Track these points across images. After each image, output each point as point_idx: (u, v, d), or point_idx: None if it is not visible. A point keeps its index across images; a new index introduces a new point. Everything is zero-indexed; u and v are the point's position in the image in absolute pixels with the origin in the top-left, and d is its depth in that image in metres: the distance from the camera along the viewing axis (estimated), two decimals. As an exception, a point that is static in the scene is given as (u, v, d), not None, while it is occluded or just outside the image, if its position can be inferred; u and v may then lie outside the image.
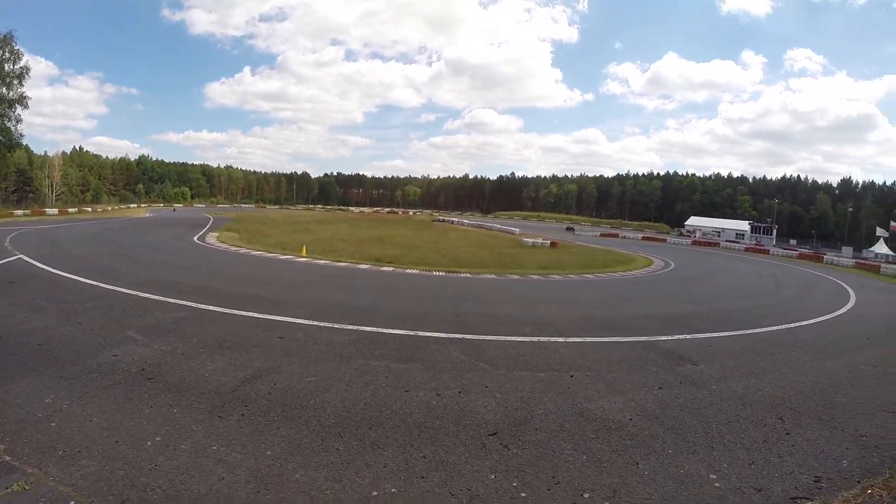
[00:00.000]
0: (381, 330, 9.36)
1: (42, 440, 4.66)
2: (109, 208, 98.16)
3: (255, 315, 10.08)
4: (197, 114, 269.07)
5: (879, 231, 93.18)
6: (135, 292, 12.02)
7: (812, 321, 15.25)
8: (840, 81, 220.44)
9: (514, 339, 9.53)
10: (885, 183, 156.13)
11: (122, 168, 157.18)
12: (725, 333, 11.89)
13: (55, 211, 69.04)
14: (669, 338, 10.73)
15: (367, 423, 5.35)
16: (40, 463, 4.28)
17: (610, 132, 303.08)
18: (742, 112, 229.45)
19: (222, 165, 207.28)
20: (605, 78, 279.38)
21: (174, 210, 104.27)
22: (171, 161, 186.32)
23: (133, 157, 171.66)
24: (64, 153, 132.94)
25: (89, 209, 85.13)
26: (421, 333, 9.31)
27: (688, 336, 11.10)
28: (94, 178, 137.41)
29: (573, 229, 68.78)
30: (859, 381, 8.72)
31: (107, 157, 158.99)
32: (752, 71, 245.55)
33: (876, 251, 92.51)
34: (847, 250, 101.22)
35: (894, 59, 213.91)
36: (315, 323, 9.60)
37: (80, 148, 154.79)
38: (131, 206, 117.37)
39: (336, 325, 9.48)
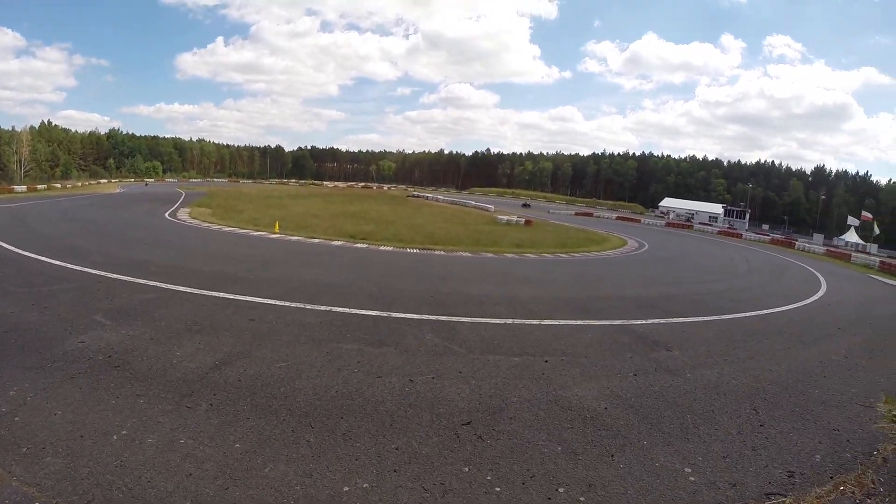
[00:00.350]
0: (354, 311, 9.22)
1: (5, 436, 4.48)
2: (80, 184, 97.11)
3: (226, 295, 9.88)
4: (168, 86, 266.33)
5: (851, 220, 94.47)
6: (103, 273, 11.76)
7: (784, 308, 15.40)
8: (817, 70, 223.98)
9: (488, 320, 9.45)
10: (857, 172, 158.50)
11: (92, 142, 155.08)
12: (699, 318, 11.91)
13: (24, 188, 68.21)
14: (644, 322, 10.73)
15: (338, 413, 5.22)
16: (4, 461, 4.11)
17: (586, 110, 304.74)
18: (719, 95, 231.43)
19: (195, 139, 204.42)
20: (583, 56, 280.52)
21: (146, 185, 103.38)
22: (143, 135, 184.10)
23: (103, 130, 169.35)
24: (32, 128, 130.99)
25: (59, 185, 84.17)
26: (395, 314, 9.21)
27: (662, 320, 11.12)
28: (63, 154, 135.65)
29: (529, 205, 68.66)
30: (831, 372, 8.75)
31: (76, 132, 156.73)
32: (730, 55, 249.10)
33: (846, 240, 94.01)
34: (818, 237, 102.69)
35: (872, 51, 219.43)
36: (287, 304, 9.44)
37: (49, 122, 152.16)
38: (102, 181, 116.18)
39: (308, 306, 9.33)
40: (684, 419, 5.88)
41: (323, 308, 9.27)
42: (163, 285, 10.61)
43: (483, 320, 9.42)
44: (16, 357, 6.30)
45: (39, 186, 75.49)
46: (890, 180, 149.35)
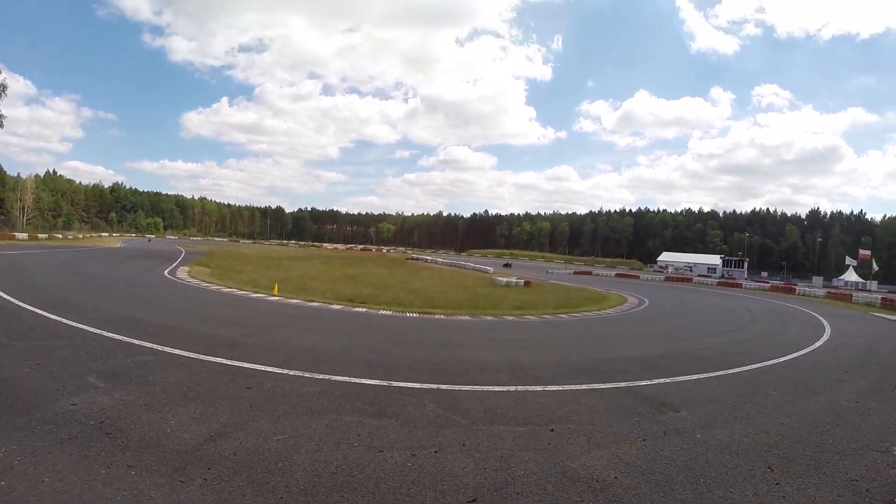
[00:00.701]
0: (353, 380, 8.97)
1: (-10, 503, 4.31)
2: (81, 236, 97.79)
3: (223, 361, 9.66)
4: (173, 143, 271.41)
5: (849, 260, 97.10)
6: (100, 331, 11.65)
7: (789, 356, 15.34)
8: (806, 115, 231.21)
9: (491, 388, 9.21)
10: (851, 212, 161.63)
11: (96, 195, 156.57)
12: (705, 375, 11.72)
13: (25, 236, 68.85)
14: (649, 382, 10.52)
15: (339, 490, 4.99)
16: (-14, 529, 3.94)
17: (582, 169, 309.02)
18: (711, 147, 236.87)
19: (196, 197, 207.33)
20: (577, 116, 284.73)
21: (149, 241, 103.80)
22: (145, 190, 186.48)
23: (107, 184, 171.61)
24: (37, 176, 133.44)
25: (60, 236, 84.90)
26: (395, 384, 8.94)
27: (667, 379, 10.90)
28: (66, 204, 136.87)
29: (510, 265, 68.63)
30: (843, 420, 8.64)
31: (80, 183, 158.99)
32: (720, 107, 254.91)
33: (846, 279, 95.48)
34: (818, 280, 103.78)
35: (857, 92, 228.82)
36: (285, 371, 9.19)
37: (54, 171, 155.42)
38: (103, 234, 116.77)
39: (306, 374, 9.08)
40: (697, 484, 5.68)
41: (322, 377, 9.02)
42: (159, 347, 10.43)
43: (485, 388, 9.18)
44: (5, 415, 6.14)
45: (41, 235, 76.31)
46: (885, 216, 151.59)
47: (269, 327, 14.52)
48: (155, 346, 10.55)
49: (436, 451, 6.09)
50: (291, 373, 9.15)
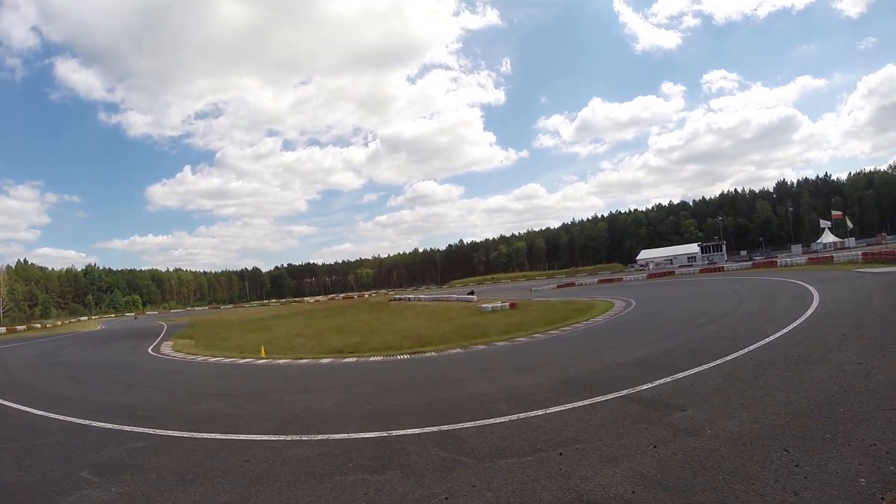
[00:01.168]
0: (353, 435, 8.73)
1: None
2: (59, 323, 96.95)
3: (217, 436, 9.40)
4: (141, 218, 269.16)
5: (823, 222, 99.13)
6: (88, 422, 11.41)
7: (784, 331, 15.37)
8: (756, 92, 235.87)
9: (492, 421, 8.98)
10: (817, 176, 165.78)
11: (70, 279, 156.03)
12: (704, 367, 11.62)
13: (3, 329, 68.08)
14: (650, 385, 10.42)
15: (351, 556, 4.82)
16: None
17: (549, 184, 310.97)
18: (671, 141, 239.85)
19: (171, 269, 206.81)
20: (536, 133, 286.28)
21: (136, 318, 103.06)
22: (119, 269, 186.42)
23: (79, 267, 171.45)
24: (9, 267, 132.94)
25: (39, 325, 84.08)
26: (395, 433, 8.70)
27: (668, 379, 10.81)
28: (41, 292, 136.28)
29: (473, 292, 68.67)
30: (850, 385, 8.65)
31: (53, 269, 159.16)
32: (673, 101, 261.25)
33: (823, 242, 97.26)
34: (797, 248, 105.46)
35: (801, 62, 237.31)
36: (282, 438, 8.94)
37: (25, 261, 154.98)
38: (82, 318, 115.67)
39: (304, 437, 8.83)
40: (717, 482, 5.58)
41: (320, 437, 8.78)
42: (150, 431, 10.18)
43: (487, 422, 8.95)
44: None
45: (19, 327, 75.69)
46: (850, 174, 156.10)
47: (260, 393, 14.31)
48: (146, 430, 10.30)
49: (446, 498, 5.88)
50: (289, 438, 8.90)
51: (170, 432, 9.97)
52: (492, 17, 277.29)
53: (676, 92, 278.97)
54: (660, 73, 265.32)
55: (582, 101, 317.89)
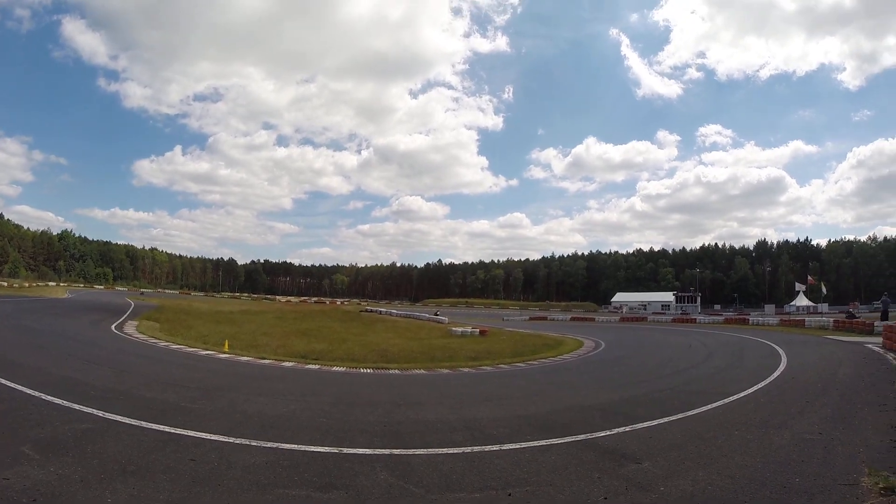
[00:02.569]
0: (303, 447, 8.55)
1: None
2: (27, 284, 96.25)
3: (166, 429, 9.16)
4: (124, 191, 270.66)
5: (798, 286, 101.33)
6: (38, 394, 11.23)
7: (749, 391, 15.28)
8: (749, 151, 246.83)
9: (446, 451, 8.83)
10: (798, 240, 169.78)
11: (44, 242, 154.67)
12: (665, 420, 11.51)
13: (-32, 282, 67.22)
14: (609, 433, 10.28)
15: (283, 578, 4.68)
16: None
17: (534, 215, 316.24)
18: (659, 188, 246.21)
19: (147, 247, 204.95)
20: (528, 164, 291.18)
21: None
22: (95, 239, 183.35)
23: (56, 230, 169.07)
24: None
25: (5, 284, 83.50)
26: (346, 450, 8.52)
27: (627, 428, 10.66)
28: (13, 250, 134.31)
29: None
30: (808, 455, 8.58)
31: (28, 229, 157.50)
32: (667, 149, 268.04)
33: (797, 305, 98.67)
34: (770, 308, 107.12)
35: (796, 126, 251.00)
36: (231, 440, 8.72)
37: (1, 215, 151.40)
38: (50, 284, 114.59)
39: (254, 443, 8.61)
40: (663, 544, 5.35)
41: (270, 445, 8.57)
42: (100, 413, 9.95)
43: (440, 451, 8.80)
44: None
45: (-17, 282, 74.54)
46: (829, 240, 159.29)
47: (216, 389, 14.06)
48: (95, 411, 10.08)
49: (387, 528, 5.73)
50: (238, 441, 8.69)
51: (119, 417, 9.74)
52: (501, 43, 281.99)
53: (671, 141, 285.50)
54: (657, 120, 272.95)
55: (577, 137, 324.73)
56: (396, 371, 20.23)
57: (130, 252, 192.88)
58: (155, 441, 8.50)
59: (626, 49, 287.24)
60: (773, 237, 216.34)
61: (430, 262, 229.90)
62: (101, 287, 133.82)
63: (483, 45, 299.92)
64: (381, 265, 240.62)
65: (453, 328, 42.83)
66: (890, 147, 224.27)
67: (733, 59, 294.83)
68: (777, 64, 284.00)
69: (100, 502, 5.95)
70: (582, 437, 9.98)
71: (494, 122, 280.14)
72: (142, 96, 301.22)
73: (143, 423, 9.44)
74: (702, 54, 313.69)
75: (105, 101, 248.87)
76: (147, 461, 7.42)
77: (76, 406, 10.41)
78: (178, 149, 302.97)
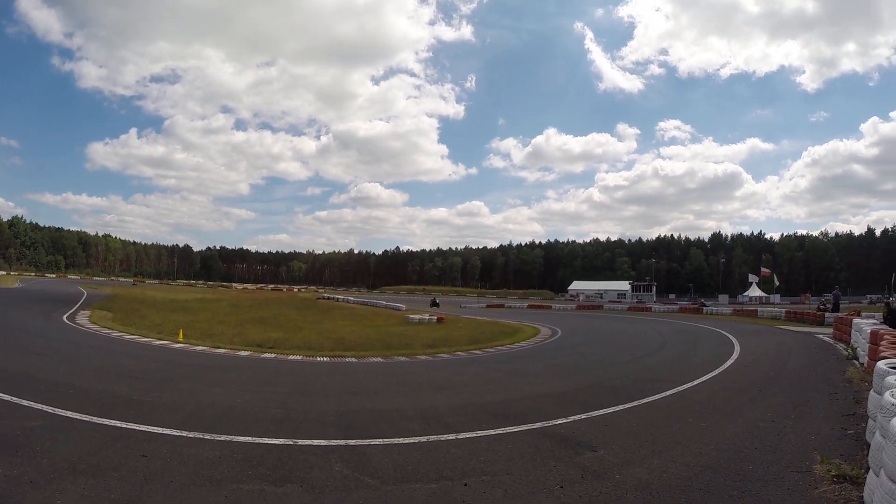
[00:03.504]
0: (257, 440, 8.42)
1: None
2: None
3: (118, 424, 8.94)
4: (77, 175, 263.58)
5: (751, 277, 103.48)
6: (-16, 389, 10.81)
7: (703, 379, 15.52)
8: (707, 146, 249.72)
9: (401, 440, 8.79)
10: (752, 233, 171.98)
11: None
12: (620, 407, 11.63)
13: None
14: (565, 420, 10.33)
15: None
16: None
17: (493, 204, 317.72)
18: (617, 180, 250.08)
19: (100, 234, 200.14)
20: (488, 153, 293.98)
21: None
22: (47, 225, 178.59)
23: (5, 216, 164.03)
24: None
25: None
26: (300, 442, 8.42)
27: (583, 416, 10.75)
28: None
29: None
30: (761, 442, 8.70)
31: None
32: (626, 142, 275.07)
33: (750, 295, 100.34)
34: (723, 298, 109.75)
35: (754, 125, 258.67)
36: (183, 433, 8.56)
37: None
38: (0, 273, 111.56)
39: (207, 436, 8.47)
40: (618, 534, 5.36)
41: (223, 438, 8.42)
42: (49, 409, 9.68)
43: (396, 441, 8.75)
44: None
45: (-73, 273, 72.96)
46: (782, 234, 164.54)
47: (170, 380, 13.82)
48: (45, 407, 9.82)
49: (342, 521, 5.67)
50: (191, 435, 8.54)
51: (69, 413, 9.50)
52: (466, 32, 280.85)
53: (630, 134, 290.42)
54: (617, 113, 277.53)
55: (538, 128, 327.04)
56: (353, 359, 20.09)
57: (83, 239, 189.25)
58: (106, 437, 8.29)
59: (590, 43, 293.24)
60: (728, 230, 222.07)
61: (388, 250, 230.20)
62: (53, 276, 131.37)
63: (448, 33, 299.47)
64: (339, 252, 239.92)
65: (410, 315, 42.72)
66: (844, 147, 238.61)
67: (695, 57, 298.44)
68: (738, 64, 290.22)
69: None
70: (538, 425, 10.01)
71: (456, 110, 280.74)
72: (97, 76, 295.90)
73: (95, 419, 9.21)
74: (664, 51, 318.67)
75: (59, 80, 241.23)
76: (98, 459, 7.23)
77: (25, 402, 10.14)
78: (133, 132, 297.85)
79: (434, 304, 70.28)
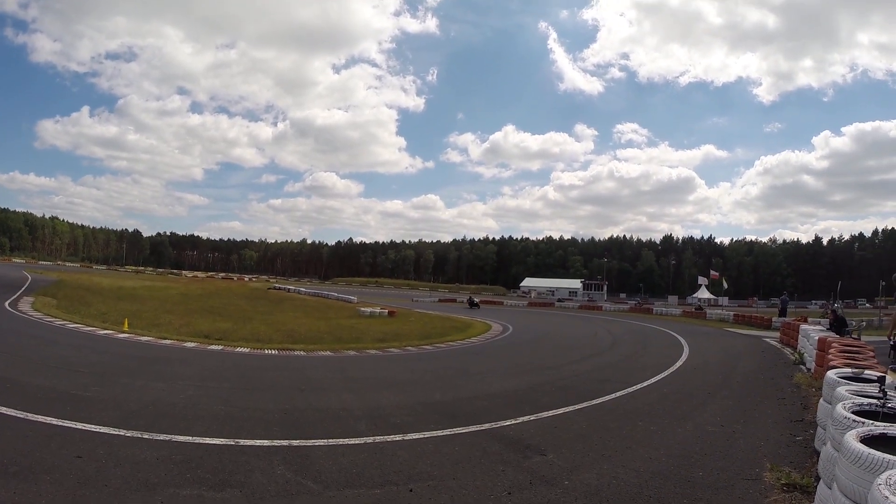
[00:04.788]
0: (198, 440, 8.16)
1: None
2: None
3: (53, 421, 8.59)
4: (25, 153, 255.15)
5: (701, 279, 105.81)
6: (-82, 387, 10.34)
7: (653, 380, 15.70)
8: (662, 150, 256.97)
9: (347, 441, 8.60)
10: (702, 237, 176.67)
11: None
12: (570, 408, 11.61)
13: None
14: (514, 421, 10.28)
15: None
16: None
17: (448, 198, 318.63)
18: (573, 179, 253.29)
19: (47, 216, 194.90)
20: (446, 147, 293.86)
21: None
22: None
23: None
24: None
25: None
26: (243, 442, 8.18)
27: (532, 417, 10.72)
28: None
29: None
30: (711, 448, 8.73)
31: None
32: (583, 142, 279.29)
33: (699, 297, 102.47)
34: (673, 299, 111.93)
35: (709, 132, 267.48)
36: (122, 432, 8.23)
37: None
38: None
39: (146, 436, 8.16)
40: (566, 544, 5.27)
41: (163, 437, 8.13)
42: (-19, 406, 9.24)
43: (341, 442, 8.56)
44: None
45: None
46: (732, 240, 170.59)
47: (111, 374, 13.36)
48: (-22, 403, 9.41)
49: (281, 530, 5.45)
50: (129, 434, 8.21)
51: (3, 409, 9.10)
52: (430, 24, 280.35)
53: (588, 135, 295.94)
54: (576, 114, 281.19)
55: (496, 124, 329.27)
56: (302, 352, 19.86)
57: (29, 220, 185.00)
58: (41, 435, 7.93)
59: (553, 43, 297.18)
60: (680, 233, 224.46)
61: (342, 241, 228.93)
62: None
63: (412, 25, 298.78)
64: (292, 242, 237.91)
65: (362, 308, 42.47)
66: (796, 158, 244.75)
67: (655, 63, 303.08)
68: (697, 73, 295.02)
69: (-24, 508, 5.42)
70: (487, 425, 9.94)
71: (416, 103, 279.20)
72: (50, 50, 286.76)
73: (30, 416, 8.81)
74: (625, 56, 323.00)
75: (11, 53, 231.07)
76: (31, 460, 6.87)
77: (-41, 398, 9.67)
78: (85, 110, 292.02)
79: (473, 303, 69.15)
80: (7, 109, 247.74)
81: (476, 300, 73.85)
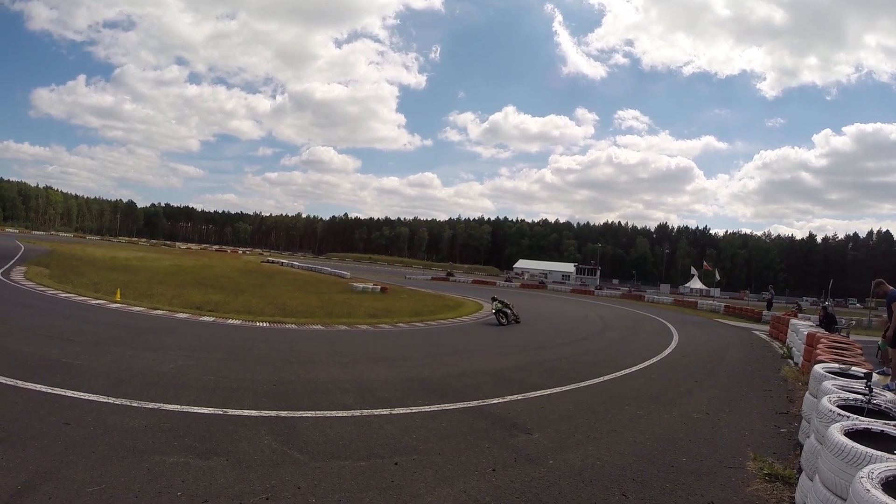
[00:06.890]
0: (185, 408, 8.22)
1: None
2: None
3: (43, 389, 8.65)
4: (20, 122, 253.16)
5: (693, 269, 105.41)
6: None
7: (640, 366, 15.80)
8: (662, 139, 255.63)
9: (334, 413, 8.68)
10: (697, 227, 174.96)
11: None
12: (558, 389, 11.70)
13: None
14: (501, 400, 10.38)
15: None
16: None
17: (445, 177, 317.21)
18: (571, 163, 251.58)
19: (41, 185, 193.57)
20: (445, 125, 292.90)
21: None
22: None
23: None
24: None
25: None
26: (230, 412, 8.25)
27: (520, 396, 10.82)
28: None
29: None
30: (696, 434, 8.83)
31: None
32: (584, 127, 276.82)
33: (691, 287, 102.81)
34: (665, 287, 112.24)
35: (711, 123, 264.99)
36: (111, 400, 8.29)
37: None
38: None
39: (134, 404, 8.21)
40: (549, 521, 5.35)
41: (151, 406, 8.19)
42: (-28, 373, 9.25)
43: (329, 414, 8.65)
44: None
45: None
46: (727, 231, 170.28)
47: (102, 343, 13.34)
48: (-31, 371, 9.42)
49: (267, 499, 5.50)
50: (117, 402, 8.27)
51: (-7, 377, 9.13)
52: (435, 1, 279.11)
53: (589, 119, 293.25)
54: (578, 98, 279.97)
55: (497, 105, 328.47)
56: (293, 326, 19.86)
57: (23, 190, 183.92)
58: (30, 402, 7.97)
59: (558, 26, 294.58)
60: (675, 222, 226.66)
61: (337, 216, 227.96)
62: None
63: (417, 1, 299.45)
64: (287, 216, 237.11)
65: (354, 284, 42.47)
66: (795, 155, 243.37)
67: (660, 51, 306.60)
68: (701, 63, 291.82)
69: (-38, 474, 5.45)
70: (474, 403, 10.04)
71: (417, 80, 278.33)
72: (47, 18, 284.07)
73: (20, 383, 8.85)
74: (630, 42, 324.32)
75: (7, 20, 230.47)
76: (19, 427, 6.92)
77: (-50, 366, 9.66)
78: (81, 78, 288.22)
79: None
80: (2, 78, 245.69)
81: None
